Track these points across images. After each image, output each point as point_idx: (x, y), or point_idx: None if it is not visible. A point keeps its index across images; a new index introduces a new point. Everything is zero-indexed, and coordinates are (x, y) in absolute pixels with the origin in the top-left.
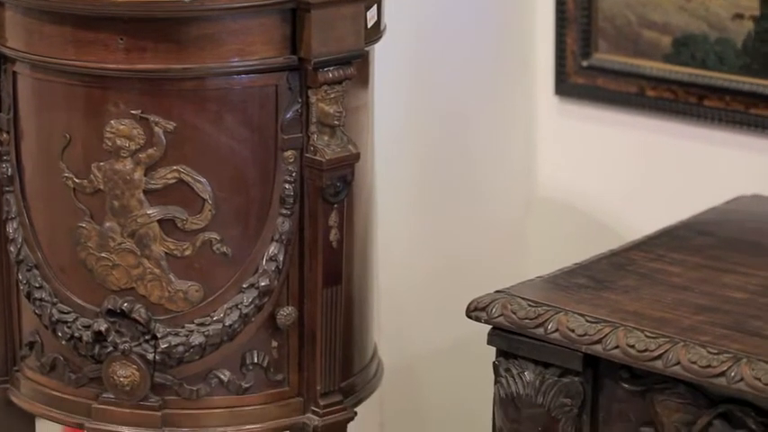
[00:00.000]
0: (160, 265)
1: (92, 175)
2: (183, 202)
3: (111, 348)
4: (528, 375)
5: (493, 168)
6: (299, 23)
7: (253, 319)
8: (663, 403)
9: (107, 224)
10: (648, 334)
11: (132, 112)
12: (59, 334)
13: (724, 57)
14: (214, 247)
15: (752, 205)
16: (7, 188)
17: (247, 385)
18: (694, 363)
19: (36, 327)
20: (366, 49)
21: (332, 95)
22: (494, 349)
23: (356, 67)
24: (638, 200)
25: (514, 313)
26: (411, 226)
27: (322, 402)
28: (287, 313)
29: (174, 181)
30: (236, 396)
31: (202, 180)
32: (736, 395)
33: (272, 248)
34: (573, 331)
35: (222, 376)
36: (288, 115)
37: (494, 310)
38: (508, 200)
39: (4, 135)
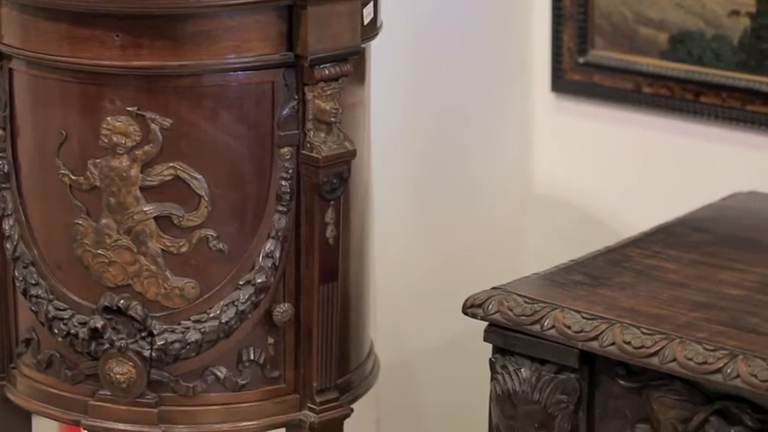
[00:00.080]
0: (156, 262)
1: (88, 172)
2: (179, 198)
3: (107, 345)
4: (524, 372)
5: (489, 165)
6: (296, 20)
7: (249, 316)
8: (659, 400)
9: (103, 221)
10: (645, 331)
11: (128, 108)
12: (56, 331)
13: (720, 53)
14: (210, 244)
15: (748, 202)
16: (3, 185)
17: (244, 382)
18: (690, 359)
19: (32, 324)
20: (362, 45)
21: (328, 92)
22: (490, 346)
23: (352, 63)
24: (635, 196)
25: (511, 310)
26: (407, 223)
27: (318, 399)
28: (283, 310)
29: (170, 178)
30: (232, 393)
31: (199, 177)
32: (733, 392)
33: (269, 245)
34: (569, 328)
35: (218, 373)
36: (284, 112)
37: (490, 306)
38: (504, 196)
39: (0, 132)
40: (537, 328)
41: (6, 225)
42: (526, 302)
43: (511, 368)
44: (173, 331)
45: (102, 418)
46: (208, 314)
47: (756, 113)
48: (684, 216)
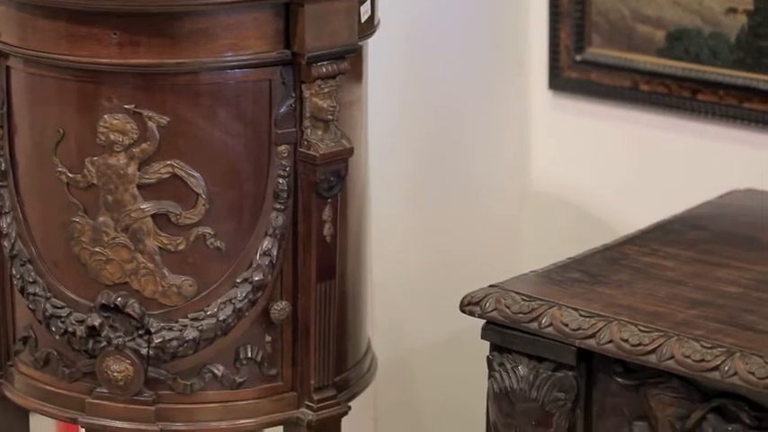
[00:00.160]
0: (154, 260)
1: (85, 170)
2: (176, 196)
3: (104, 343)
4: (522, 370)
5: (487, 163)
6: (293, 18)
7: (246, 314)
8: (656, 397)
9: (101, 219)
10: (642, 328)
11: (126, 106)
12: (53, 329)
13: (717, 51)
14: (208, 242)
15: (745, 199)
16: (1, 183)
17: (241, 380)
18: (688, 357)
19: (30, 322)
20: (360, 43)
21: (325, 90)
22: (487, 344)
23: (350, 61)
24: (632, 194)
25: (508, 308)
26: (405, 220)
27: (316, 397)
28: (281, 308)
29: (167, 175)
30: (229, 391)
31: (196, 175)
32: (730, 389)
33: (266, 243)
34: (567, 326)
35: (216, 371)
36: (281, 110)
37: (487, 304)
38: (502, 194)
39: None
40: (534, 325)
41: (4, 223)
42: (524, 300)
43: (508, 366)
44: (170, 329)
45: (99, 415)
46: (205, 312)
47: (753, 111)
48: (682, 214)
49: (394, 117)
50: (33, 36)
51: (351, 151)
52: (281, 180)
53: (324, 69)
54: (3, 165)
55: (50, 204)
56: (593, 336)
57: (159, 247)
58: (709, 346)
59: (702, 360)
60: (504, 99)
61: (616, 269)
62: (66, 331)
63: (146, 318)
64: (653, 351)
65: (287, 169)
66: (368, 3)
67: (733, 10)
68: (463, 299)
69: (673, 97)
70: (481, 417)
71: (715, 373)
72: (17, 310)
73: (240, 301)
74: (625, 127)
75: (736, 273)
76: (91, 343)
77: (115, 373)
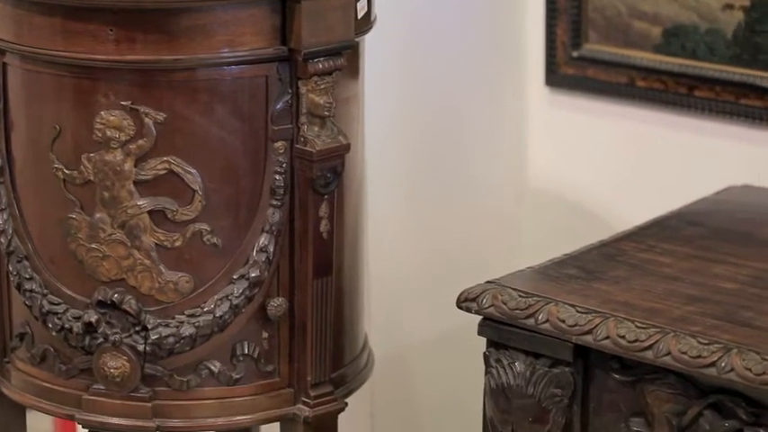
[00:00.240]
0: (150, 257)
1: (82, 167)
2: (173, 193)
3: (101, 339)
4: (518, 366)
5: (484, 159)
6: (289, 14)
7: (243, 311)
8: (653, 393)
9: (97, 215)
10: (639, 324)
11: (122, 103)
12: (50, 325)
13: (714, 47)
14: (204, 238)
15: (742, 196)
16: None
17: (238, 376)
18: (685, 353)
19: (26, 318)
20: (356, 39)
21: (322, 86)
22: (484, 340)
23: (346, 57)
24: (629, 190)
25: (505, 304)
26: (402, 217)
27: (312, 393)
28: (277, 304)
29: (164, 172)
30: (226, 387)
31: (192, 171)
32: (727, 385)
33: (263, 239)
34: (563, 322)
35: (213, 367)
36: (278, 106)
37: (484, 300)
38: (499, 190)
39: None
40: (531, 321)
41: (0, 219)
42: (520, 296)
43: (505, 362)
44: (167, 325)
45: (96, 412)
46: (202, 308)
47: (750, 107)
48: (679, 210)
49: (390, 113)
50: (29, 32)
51: (347, 147)
52: (277, 176)
53: (320, 66)
54: None
55: (47, 201)
56: (589, 332)
57: (156, 244)
58: (706, 342)
59: (699, 356)
60: (501, 95)
61: (613, 265)
62: (62, 328)
63: (142, 314)
64: (650, 347)
65: (283, 165)
66: None
67: (729, 6)
68: (460, 295)
69: (669, 93)
70: (478, 413)
71: (712, 369)
72: (14, 307)
73: (237, 297)
74: (622, 123)
75: (732, 269)
76: (87, 339)
77: (112, 370)
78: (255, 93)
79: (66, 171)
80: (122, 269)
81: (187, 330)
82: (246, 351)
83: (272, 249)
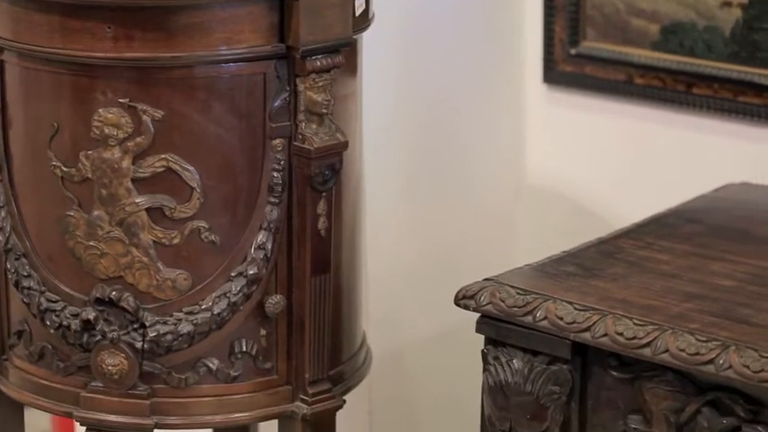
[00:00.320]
0: (148, 254)
1: (80, 164)
2: (171, 190)
3: (99, 337)
4: (516, 363)
5: (481, 156)
6: (287, 12)
7: (241, 308)
8: (651, 391)
9: (95, 213)
10: (637, 322)
11: (120, 100)
12: (48, 323)
13: (712, 45)
14: (202, 236)
15: (740, 193)
16: None
17: (236, 374)
18: (683, 350)
19: (24, 315)
20: (354, 37)
21: (320, 84)
22: (482, 337)
23: (344, 55)
24: (627, 188)
25: (503, 301)
26: (400, 214)
27: (311, 390)
28: (275, 302)
29: (162, 169)
30: (224, 384)
31: (190, 168)
32: (725, 383)
33: (261, 237)
34: (561, 319)
35: (211, 365)
36: (276, 103)
37: (482, 298)
38: (497, 188)
39: None
40: (529, 319)
41: None
42: (518, 294)
43: (503, 359)
44: (165, 323)
45: (94, 409)
46: (200, 306)
47: (748, 105)
48: (677, 207)
49: (389, 111)
50: (27, 30)
51: (345, 145)
52: (275, 174)
53: (318, 63)
54: None
55: (45, 198)
56: (587, 329)
57: (154, 241)
58: (704, 339)
59: (697, 353)
60: (499, 92)
61: (611, 263)
62: (60, 325)
63: (140, 311)
64: (648, 344)
65: (281, 163)
66: None
67: (727, 3)
68: (458, 292)
69: (667, 91)
70: (476, 410)
71: (710, 366)
72: (12, 304)
73: (235, 294)
74: (620, 120)
75: (730, 266)
76: (85, 337)
77: (110, 367)
78: (253, 90)
79: (65, 168)
80: (120, 266)
81: (185, 328)
82: (244, 348)
83: (270, 247)
